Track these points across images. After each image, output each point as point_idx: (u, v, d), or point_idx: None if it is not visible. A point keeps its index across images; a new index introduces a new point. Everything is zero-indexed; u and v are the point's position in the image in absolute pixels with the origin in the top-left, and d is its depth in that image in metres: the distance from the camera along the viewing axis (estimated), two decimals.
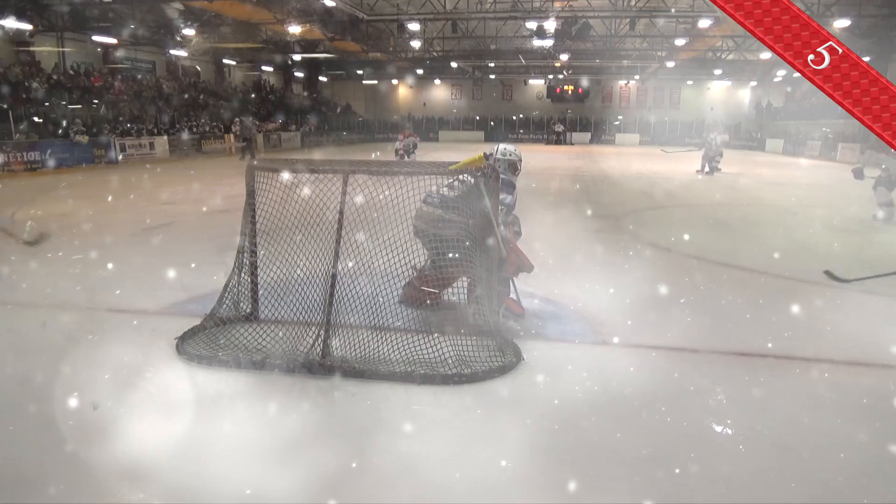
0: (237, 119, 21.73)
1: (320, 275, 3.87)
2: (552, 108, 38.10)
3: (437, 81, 39.57)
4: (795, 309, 4.62)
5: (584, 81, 36.12)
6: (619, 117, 37.84)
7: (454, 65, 32.36)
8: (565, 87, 37.00)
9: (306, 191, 3.91)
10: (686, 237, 7.38)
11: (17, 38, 19.55)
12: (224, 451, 2.65)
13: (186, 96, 24.64)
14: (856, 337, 4.07)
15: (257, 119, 25.38)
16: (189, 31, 22.50)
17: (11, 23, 18.05)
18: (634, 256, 6.41)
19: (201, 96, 25.97)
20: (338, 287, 3.58)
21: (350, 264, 3.65)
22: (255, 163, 4.16)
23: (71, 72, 21.07)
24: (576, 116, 37.63)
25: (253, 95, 30.35)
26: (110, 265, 5.70)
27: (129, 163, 18.44)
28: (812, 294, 5.07)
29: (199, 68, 29.08)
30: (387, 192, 3.65)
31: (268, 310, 4.02)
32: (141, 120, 20.95)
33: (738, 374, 3.50)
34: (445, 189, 4.09)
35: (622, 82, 37.87)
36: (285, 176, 3.95)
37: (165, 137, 21.24)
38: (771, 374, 3.53)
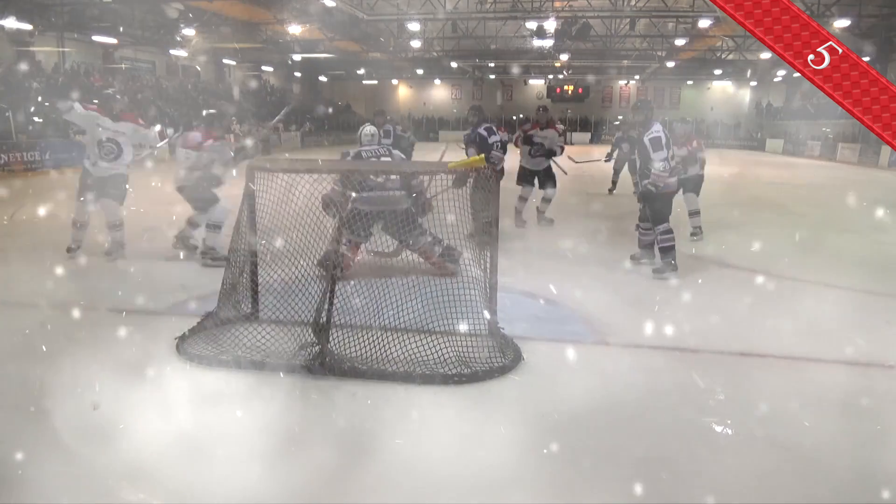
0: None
1: (320, 273, 3.87)
2: (552, 108, 38.05)
3: (437, 81, 39.56)
4: (796, 309, 4.63)
5: (585, 81, 36.12)
6: (620, 117, 37.83)
7: (454, 65, 32.35)
8: (565, 87, 36.98)
9: (306, 190, 3.91)
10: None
11: (17, 39, 19.55)
12: (224, 451, 2.65)
13: (186, 96, 24.65)
14: (856, 337, 4.07)
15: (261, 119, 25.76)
16: (189, 31, 22.50)
17: (12, 23, 18.05)
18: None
19: (201, 96, 25.96)
20: (338, 285, 3.59)
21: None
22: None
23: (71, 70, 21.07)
24: (576, 116, 37.62)
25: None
26: (110, 265, 5.70)
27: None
28: (812, 294, 5.08)
29: (199, 68, 29.09)
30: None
31: (268, 310, 4.03)
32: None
33: (738, 374, 3.51)
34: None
35: (622, 82, 37.86)
36: (285, 176, 3.95)
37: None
38: (771, 374, 3.53)
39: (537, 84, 38.53)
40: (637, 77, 36.30)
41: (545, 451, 2.67)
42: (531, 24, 22.23)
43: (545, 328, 4.19)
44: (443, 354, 3.45)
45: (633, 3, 20.90)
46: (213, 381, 3.33)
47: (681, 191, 6.35)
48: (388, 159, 5.47)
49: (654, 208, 5.32)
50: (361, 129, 5.84)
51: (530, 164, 7.80)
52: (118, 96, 6.14)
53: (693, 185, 7.06)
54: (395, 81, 39.22)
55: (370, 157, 5.45)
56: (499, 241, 3.96)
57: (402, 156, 5.90)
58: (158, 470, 2.49)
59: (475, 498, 2.37)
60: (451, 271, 4.77)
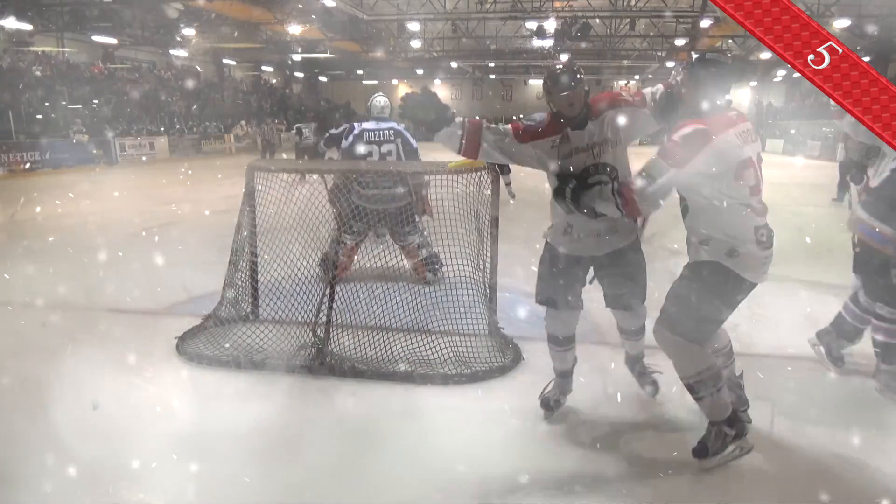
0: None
1: (320, 274, 3.87)
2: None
3: (438, 81, 39.54)
4: (795, 309, 4.62)
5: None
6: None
7: (454, 65, 32.35)
8: None
9: (305, 190, 3.91)
10: None
11: (17, 39, 19.56)
12: (224, 451, 2.65)
13: (187, 96, 24.67)
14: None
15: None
16: (189, 31, 22.51)
17: (12, 23, 18.05)
18: None
19: (201, 97, 25.98)
20: (338, 286, 3.59)
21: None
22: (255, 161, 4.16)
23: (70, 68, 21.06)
24: None
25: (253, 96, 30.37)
26: (110, 265, 5.70)
27: (129, 162, 18.45)
28: (812, 294, 5.07)
29: (199, 68, 29.09)
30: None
31: (268, 310, 4.02)
32: (140, 120, 20.96)
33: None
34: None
35: (622, 82, 37.85)
36: (285, 176, 3.95)
37: (165, 137, 21.27)
38: (771, 374, 3.53)
39: (537, 84, 38.53)
40: (637, 77, 36.28)
41: (545, 451, 2.67)
42: (531, 24, 22.23)
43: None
44: (443, 354, 3.45)
45: (633, 3, 20.89)
46: (213, 381, 3.34)
47: None
48: (392, 146, 5.06)
49: None
50: (372, 98, 5.25)
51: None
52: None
53: None
54: (395, 81, 39.20)
55: (371, 140, 5.00)
56: (499, 241, 3.96)
57: (412, 141, 5.19)
58: (158, 470, 2.49)
59: (475, 498, 2.37)
60: (427, 279, 4.69)
